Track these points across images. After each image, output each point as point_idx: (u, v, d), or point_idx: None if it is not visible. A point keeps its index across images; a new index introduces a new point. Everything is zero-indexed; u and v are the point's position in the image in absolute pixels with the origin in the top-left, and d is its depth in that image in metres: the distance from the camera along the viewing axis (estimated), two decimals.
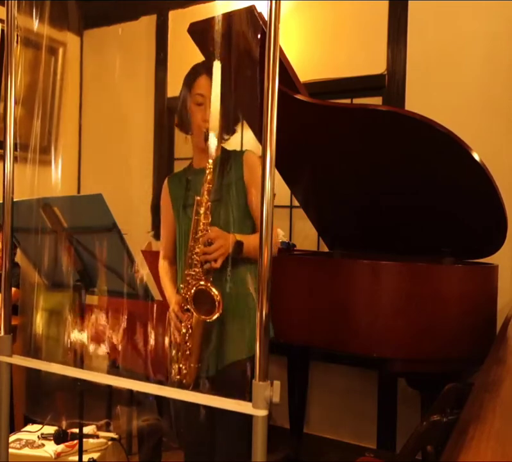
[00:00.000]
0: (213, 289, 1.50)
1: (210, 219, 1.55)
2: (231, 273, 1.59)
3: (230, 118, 1.63)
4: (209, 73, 1.51)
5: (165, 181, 1.81)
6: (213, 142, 1.56)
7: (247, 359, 1.56)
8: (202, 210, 1.54)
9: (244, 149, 1.74)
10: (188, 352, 1.57)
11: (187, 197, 1.68)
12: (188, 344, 1.56)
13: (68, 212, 1.52)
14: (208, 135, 1.57)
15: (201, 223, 1.54)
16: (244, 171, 1.66)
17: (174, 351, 1.59)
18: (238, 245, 1.56)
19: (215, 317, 1.50)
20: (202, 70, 1.64)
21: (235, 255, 1.55)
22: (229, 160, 1.69)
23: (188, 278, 1.55)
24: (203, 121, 1.61)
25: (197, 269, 1.54)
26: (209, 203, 1.54)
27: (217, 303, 1.49)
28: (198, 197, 1.55)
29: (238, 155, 1.70)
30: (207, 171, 1.54)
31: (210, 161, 1.55)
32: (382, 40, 2.83)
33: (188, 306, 1.54)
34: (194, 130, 1.66)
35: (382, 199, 2.16)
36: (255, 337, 0.90)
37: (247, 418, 0.89)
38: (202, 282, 1.52)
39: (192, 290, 1.53)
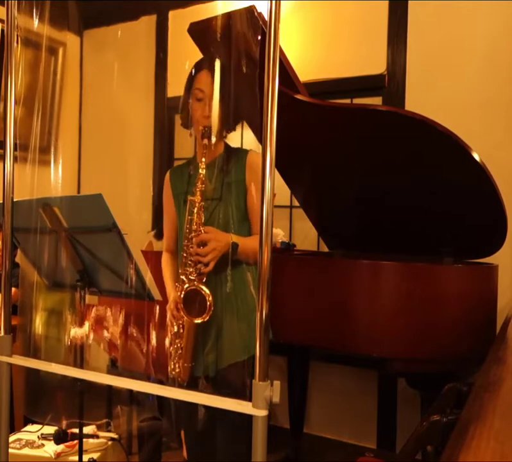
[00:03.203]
0: (205, 290, 1.49)
1: (203, 218, 1.54)
2: (230, 273, 1.57)
3: (229, 116, 1.61)
4: (210, 69, 1.52)
5: (167, 174, 1.79)
6: (212, 138, 1.56)
7: (247, 360, 1.55)
8: (195, 210, 1.53)
9: (247, 148, 1.70)
10: (180, 351, 1.55)
11: (188, 192, 1.66)
12: (178, 342, 1.55)
13: (68, 212, 1.52)
14: (206, 131, 1.56)
15: (194, 223, 1.53)
16: (246, 172, 1.63)
17: (170, 348, 1.59)
18: (234, 247, 1.53)
19: (206, 318, 1.48)
20: (203, 65, 1.62)
21: (231, 256, 1.53)
22: (231, 158, 1.67)
23: (182, 277, 1.54)
24: (203, 117, 1.59)
25: (190, 269, 1.52)
26: (202, 203, 1.53)
27: (208, 304, 1.47)
28: (191, 197, 1.54)
29: (242, 155, 1.67)
30: (200, 171, 1.53)
31: (203, 160, 1.54)
32: (382, 40, 2.83)
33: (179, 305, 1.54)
34: (194, 125, 1.64)
35: (381, 199, 2.16)
36: (254, 337, 0.90)
37: (247, 418, 0.89)
38: (195, 282, 1.50)
39: (184, 291, 1.52)
